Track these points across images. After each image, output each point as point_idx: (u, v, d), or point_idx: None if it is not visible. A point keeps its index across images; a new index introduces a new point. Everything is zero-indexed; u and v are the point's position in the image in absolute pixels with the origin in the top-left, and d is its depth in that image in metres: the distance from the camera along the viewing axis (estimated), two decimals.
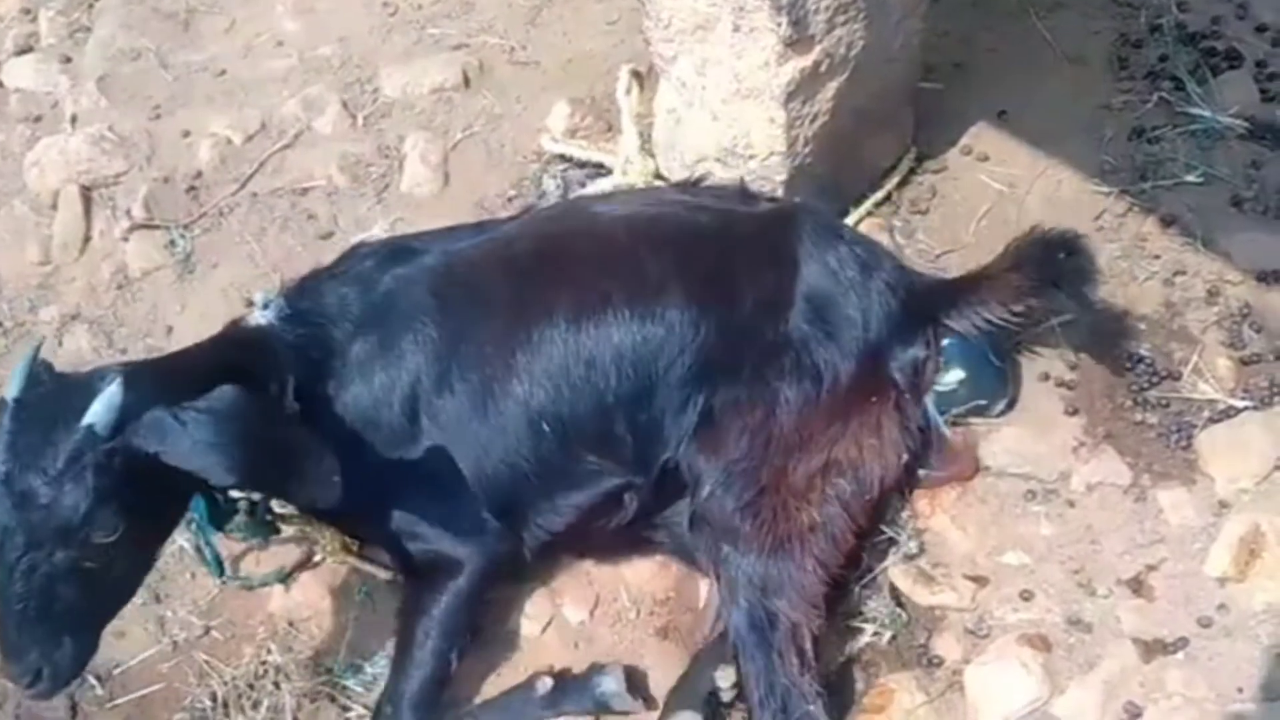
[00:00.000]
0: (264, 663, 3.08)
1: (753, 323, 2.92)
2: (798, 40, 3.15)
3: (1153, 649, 2.80)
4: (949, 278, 3.27)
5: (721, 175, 3.40)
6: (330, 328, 2.88)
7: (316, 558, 3.20)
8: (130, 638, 3.18)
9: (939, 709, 2.84)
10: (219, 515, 2.88)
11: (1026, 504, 3.08)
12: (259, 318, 2.84)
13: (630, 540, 3.09)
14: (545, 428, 2.88)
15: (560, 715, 2.90)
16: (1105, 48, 3.96)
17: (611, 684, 2.88)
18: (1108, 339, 3.28)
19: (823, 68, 3.24)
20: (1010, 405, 3.20)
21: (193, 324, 3.71)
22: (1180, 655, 2.78)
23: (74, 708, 3.09)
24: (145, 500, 2.48)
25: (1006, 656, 2.82)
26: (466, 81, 4.21)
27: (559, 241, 3.03)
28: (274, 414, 2.56)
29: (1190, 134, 3.67)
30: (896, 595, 3.01)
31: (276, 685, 3.05)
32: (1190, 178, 3.57)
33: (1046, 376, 3.25)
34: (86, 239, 4.01)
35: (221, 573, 3.05)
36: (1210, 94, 3.73)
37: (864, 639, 2.97)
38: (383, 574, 3.16)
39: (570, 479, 2.95)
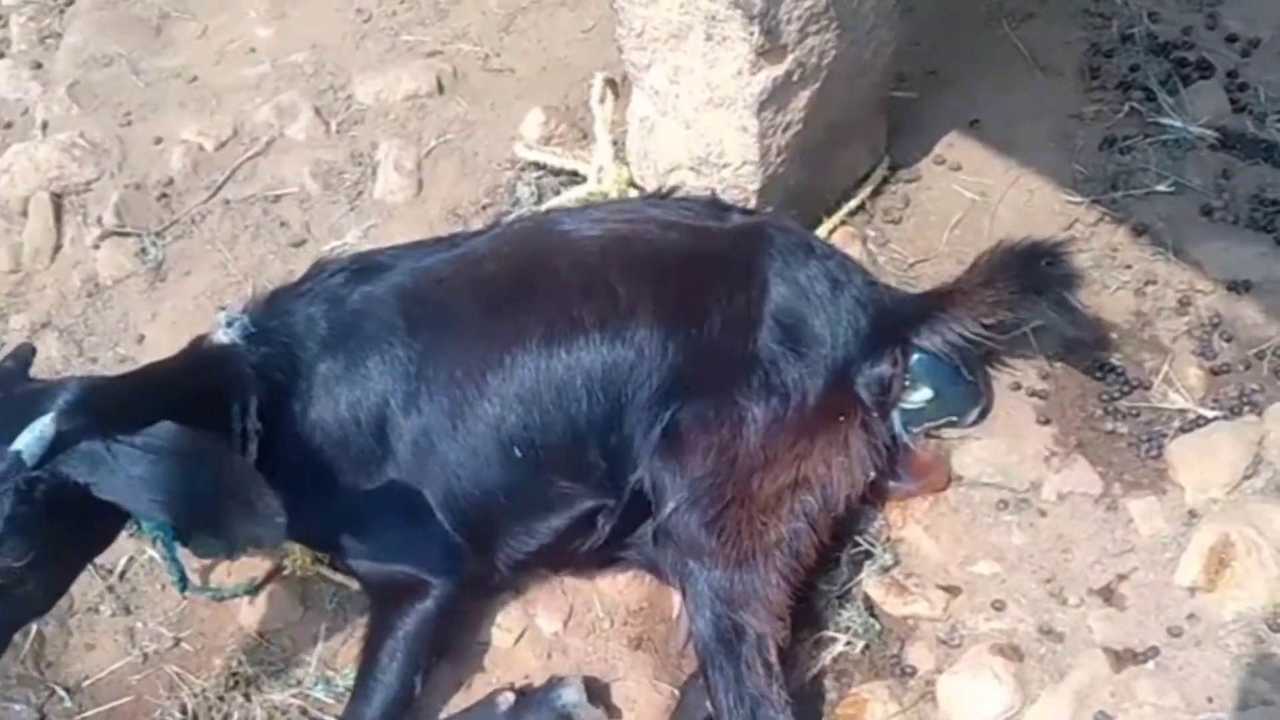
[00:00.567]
0: (234, 674, 3.07)
1: (722, 342, 2.91)
2: (770, 49, 3.15)
3: (1123, 658, 2.81)
4: (919, 293, 3.27)
5: (695, 184, 3.40)
6: (296, 347, 2.85)
7: (286, 570, 3.18)
8: (100, 649, 3.16)
9: (911, 718, 2.84)
10: (183, 531, 2.85)
11: (998, 513, 3.09)
12: (222, 336, 2.81)
13: (601, 560, 3.08)
14: (517, 452, 2.88)
15: None
16: (1077, 57, 3.98)
17: (572, 695, 2.88)
18: (1079, 349, 3.29)
19: (795, 77, 3.24)
20: (983, 415, 3.20)
21: (164, 332, 3.70)
22: (1151, 665, 2.79)
23: None
24: (69, 527, 2.44)
25: (978, 666, 2.83)
26: (440, 88, 4.21)
27: (529, 262, 3.00)
28: (215, 452, 2.51)
29: (1161, 144, 3.69)
30: (869, 605, 3.01)
31: (247, 697, 3.03)
32: (1161, 187, 3.59)
33: (1018, 386, 3.26)
34: (57, 247, 4.00)
35: (184, 587, 3.01)
36: (1181, 104, 3.75)
37: (836, 649, 2.96)
38: (354, 585, 3.14)
39: (542, 502, 2.95)
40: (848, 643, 2.96)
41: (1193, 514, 3.00)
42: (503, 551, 2.99)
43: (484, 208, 3.87)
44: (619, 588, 3.12)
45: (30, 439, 2.33)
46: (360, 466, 2.85)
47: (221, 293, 3.78)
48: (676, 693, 2.95)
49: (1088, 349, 3.28)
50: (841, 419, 2.92)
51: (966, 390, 3.16)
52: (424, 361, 2.87)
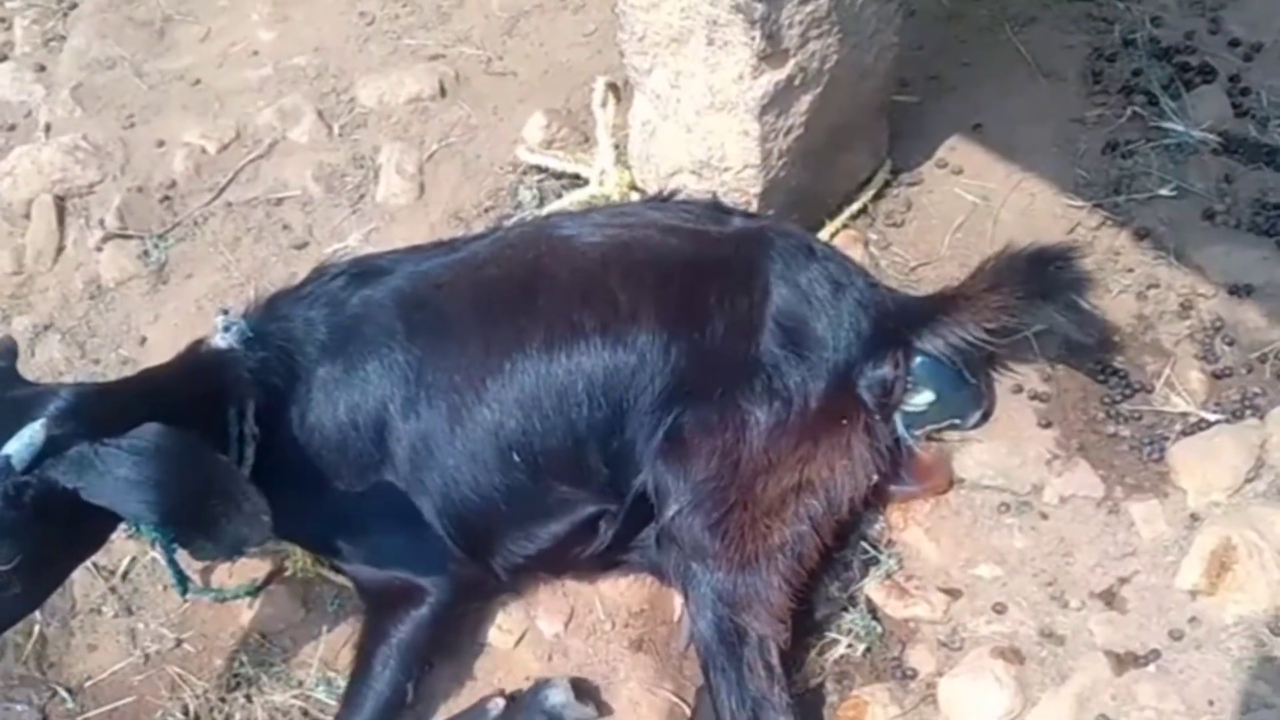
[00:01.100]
0: (236, 675, 3.07)
1: (724, 346, 2.91)
2: (772, 54, 3.15)
3: (1124, 661, 2.81)
4: (922, 296, 3.27)
5: (696, 187, 3.40)
6: (294, 352, 2.86)
7: (288, 571, 3.19)
8: (101, 650, 3.16)
9: None
10: (182, 534, 2.85)
11: (1000, 516, 3.09)
12: (220, 341, 2.81)
13: (603, 563, 3.08)
14: (515, 458, 2.87)
15: None
16: (1079, 62, 3.98)
17: (559, 695, 2.88)
18: (1082, 352, 3.29)
19: (797, 81, 3.25)
20: (984, 418, 3.20)
21: (166, 334, 3.70)
22: (1152, 668, 2.79)
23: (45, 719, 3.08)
24: (58, 531, 2.46)
25: (979, 669, 2.83)
26: (443, 92, 4.22)
27: (530, 267, 2.99)
28: (201, 452, 2.50)
29: (1164, 148, 3.69)
30: (871, 608, 3.01)
31: (249, 698, 3.04)
32: (1163, 191, 3.59)
33: (1020, 389, 3.26)
34: (60, 249, 4.00)
35: (185, 590, 3.00)
36: (1183, 108, 3.76)
37: (838, 651, 2.97)
38: None
39: (542, 508, 2.95)
40: (849, 645, 2.96)
41: (1194, 517, 3.00)
42: (501, 556, 2.99)
43: (486, 211, 3.87)
44: (620, 590, 3.12)
45: (20, 445, 2.33)
46: (358, 471, 2.86)
47: (224, 295, 3.78)
48: (675, 698, 2.95)
49: (1090, 352, 3.27)
50: (844, 422, 2.93)
51: (969, 393, 3.16)
52: (423, 366, 2.87)
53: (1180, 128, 3.71)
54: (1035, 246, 3.09)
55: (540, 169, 3.90)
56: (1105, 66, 3.95)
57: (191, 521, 2.50)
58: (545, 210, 3.71)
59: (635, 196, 3.63)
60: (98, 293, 3.88)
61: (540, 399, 2.86)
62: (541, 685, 2.92)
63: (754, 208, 3.39)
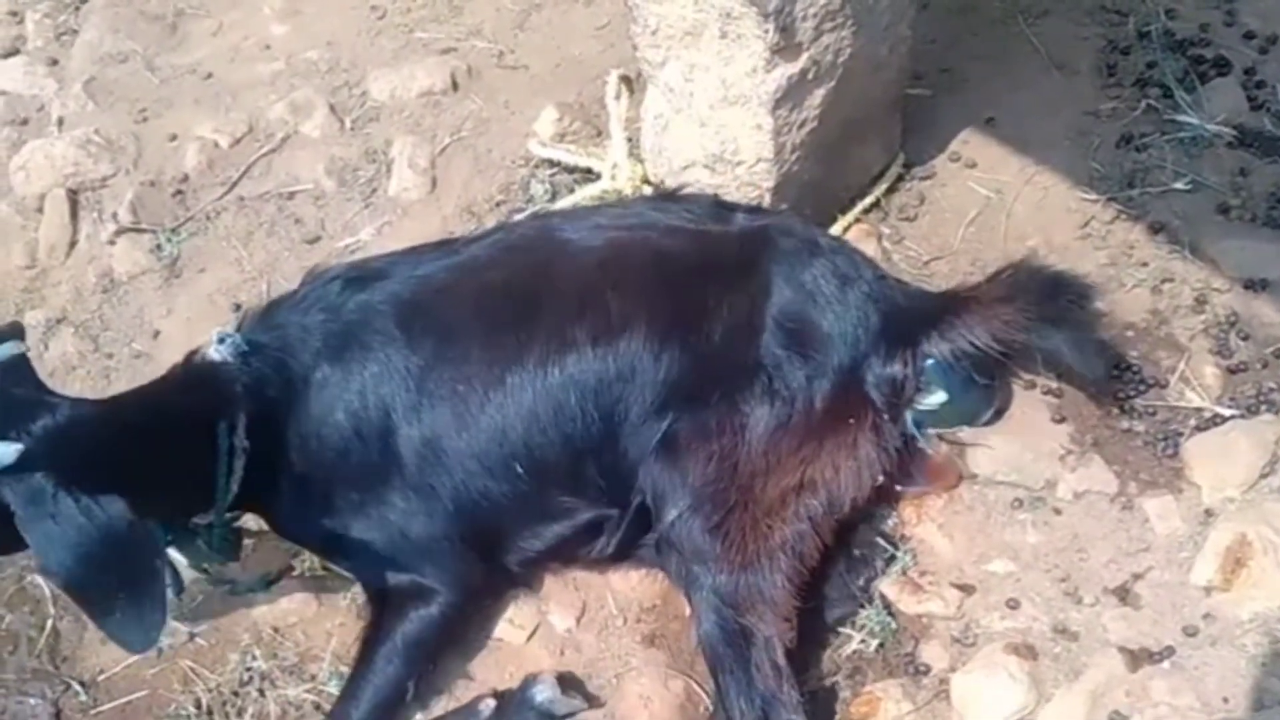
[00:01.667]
0: (249, 669, 3.08)
1: (722, 349, 2.90)
2: (785, 47, 3.14)
3: (1139, 658, 2.79)
4: (934, 292, 3.25)
5: (709, 181, 3.39)
6: (290, 361, 2.87)
7: (295, 570, 3.20)
8: (114, 644, 3.15)
9: (925, 717, 2.84)
10: (180, 539, 2.88)
11: (1013, 512, 3.08)
12: (214, 354, 2.83)
13: (616, 557, 3.08)
14: (519, 469, 2.89)
15: None
16: (1093, 54, 3.96)
17: (546, 691, 2.88)
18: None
19: (810, 74, 3.24)
20: (997, 415, 3.19)
21: (179, 328, 3.71)
22: (1166, 664, 2.77)
23: (57, 714, 3.08)
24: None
25: (993, 665, 2.82)
26: (455, 85, 4.21)
27: (528, 275, 2.98)
28: (144, 551, 2.50)
29: (1178, 141, 3.67)
30: (885, 603, 3.01)
31: (261, 692, 3.04)
32: (1178, 185, 3.57)
33: (1033, 384, 3.25)
34: (73, 243, 4.01)
35: (180, 590, 2.99)
36: (1198, 101, 3.74)
37: (851, 646, 2.96)
38: None
39: (547, 513, 2.97)
40: (862, 641, 2.95)
41: (1209, 513, 2.99)
42: (512, 553, 3.01)
43: (498, 205, 3.86)
44: (632, 584, 3.11)
45: None
46: (363, 475, 2.87)
47: (236, 289, 3.79)
48: (686, 694, 2.94)
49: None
50: (851, 421, 2.91)
51: (981, 394, 3.13)
52: (426, 372, 2.87)
53: (1195, 121, 3.69)
54: (1054, 271, 3.10)
55: (552, 163, 3.89)
56: (1119, 59, 3.92)
57: (89, 601, 2.49)
58: (556, 205, 3.71)
59: (648, 190, 3.62)
60: (110, 286, 3.89)
61: (538, 413, 2.87)
62: (528, 683, 2.92)
63: (766, 202, 3.38)
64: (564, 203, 3.71)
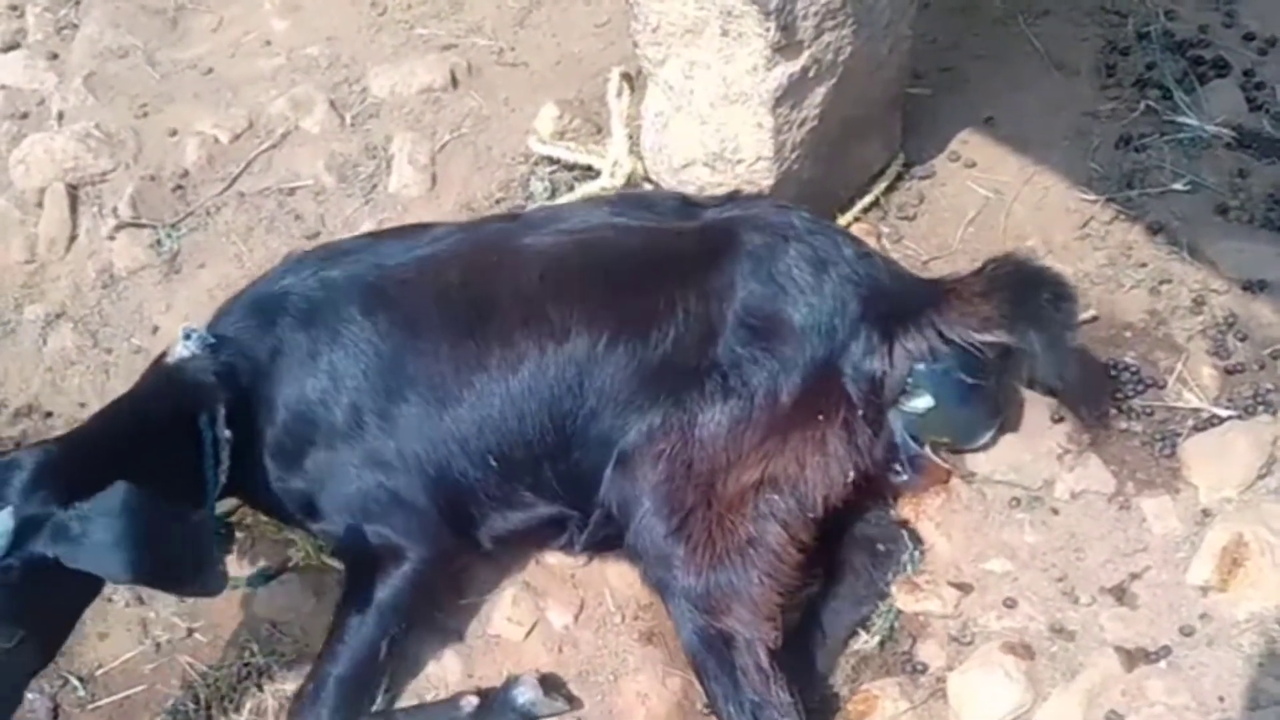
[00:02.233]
0: (247, 664, 3.08)
1: (673, 353, 2.87)
2: (786, 45, 3.15)
3: (1135, 657, 2.80)
4: (918, 277, 3.19)
5: (709, 179, 3.40)
6: (258, 347, 2.92)
7: (291, 561, 3.20)
8: (113, 639, 3.18)
9: (922, 716, 2.85)
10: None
11: (1011, 511, 3.09)
12: (182, 350, 2.86)
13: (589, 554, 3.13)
14: (492, 461, 2.93)
15: None
16: (1093, 55, 3.97)
17: (528, 693, 2.90)
18: (1093, 347, 3.28)
19: (811, 73, 3.24)
20: (998, 431, 3.14)
21: (178, 323, 3.63)
22: (1163, 664, 2.78)
23: (55, 709, 3.08)
24: (53, 594, 2.50)
25: (989, 664, 2.83)
26: (455, 82, 4.21)
27: (485, 278, 2.98)
28: (164, 509, 2.53)
29: (1177, 142, 3.68)
30: (888, 601, 3.01)
31: (259, 687, 3.05)
32: (1177, 186, 3.58)
33: (1032, 384, 3.24)
34: (72, 237, 4.00)
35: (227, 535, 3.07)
36: (1197, 102, 3.75)
37: (853, 644, 2.98)
38: None
39: (512, 503, 3.00)
40: (862, 640, 2.96)
41: (1206, 513, 3.00)
42: (482, 530, 3.03)
43: (498, 202, 3.87)
44: (630, 582, 3.11)
45: None
46: (334, 444, 2.91)
47: (235, 284, 3.74)
48: (687, 684, 2.95)
49: (1102, 347, 3.26)
50: (820, 417, 2.85)
51: (974, 402, 3.04)
52: (396, 353, 2.92)
53: (1194, 122, 3.70)
54: (1036, 267, 3.03)
55: (552, 160, 3.89)
56: (1119, 60, 3.93)
57: (164, 576, 2.56)
58: (557, 202, 3.71)
59: (648, 188, 3.62)
60: (110, 282, 3.89)
61: (507, 415, 2.91)
62: (511, 684, 2.94)
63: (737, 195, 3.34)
64: (563, 200, 3.71)
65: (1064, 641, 2.87)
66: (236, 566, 3.23)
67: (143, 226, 3.97)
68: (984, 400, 3.08)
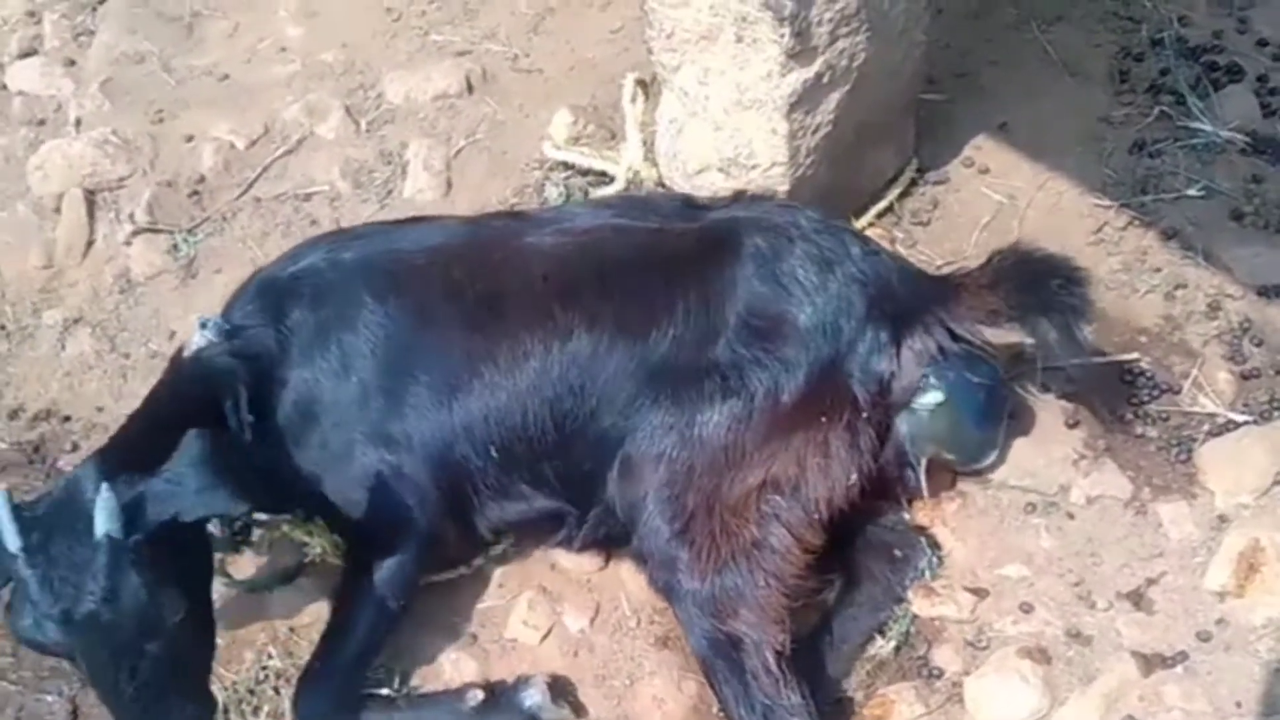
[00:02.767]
0: (265, 667, 3.09)
1: (672, 355, 2.86)
2: (800, 52, 3.15)
3: (1152, 663, 2.80)
4: (926, 274, 3.16)
5: (724, 185, 3.40)
6: (273, 331, 2.94)
7: (307, 557, 3.20)
8: None
9: None
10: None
11: (1027, 516, 3.09)
12: (199, 339, 2.90)
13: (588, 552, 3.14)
14: (493, 452, 2.94)
15: None
16: (1106, 61, 3.97)
17: (536, 696, 2.90)
18: (1109, 352, 3.28)
19: (825, 79, 3.25)
20: (1001, 452, 3.12)
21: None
22: (1179, 669, 2.79)
23: (74, 711, 3.09)
24: (182, 561, 2.57)
25: (1006, 669, 2.83)
26: (469, 88, 4.22)
27: (492, 273, 3.00)
28: (234, 438, 2.65)
29: (1191, 148, 3.69)
30: (904, 606, 3.01)
31: (277, 690, 3.05)
32: (1191, 191, 3.58)
33: (1047, 389, 3.25)
34: (89, 243, 4.02)
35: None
36: (1211, 108, 3.75)
37: (870, 649, 2.98)
38: None
39: (510, 494, 3.00)
40: (878, 644, 2.96)
41: (1222, 519, 3.00)
42: (480, 517, 3.04)
43: (512, 207, 3.87)
44: (645, 586, 3.11)
45: (105, 516, 2.39)
46: (343, 420, 2.93)
47: None
48: (702, 688, 2.95)
49: (1117, 352, 3.26)
50: (823, 419, 2.82)
51: (983, 409, 2.99)
52: (402, 341, 2.93)
53: (1208, 127, 3.71)
54: (1045, 254, 2.98)
55: (567, 166, 3.90)
56: (1132, 66, 3.94)
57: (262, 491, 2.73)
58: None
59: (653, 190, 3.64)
60: (127, 287, 3.91)
61: (510, 410, 2.91)
62: (519, 685, 2.94)
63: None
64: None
65: (1080, 646, 2.87)
66: (253, 569, 3.24)
67: (159, 232, 3.98)
68: (994, 405, 3.03)
